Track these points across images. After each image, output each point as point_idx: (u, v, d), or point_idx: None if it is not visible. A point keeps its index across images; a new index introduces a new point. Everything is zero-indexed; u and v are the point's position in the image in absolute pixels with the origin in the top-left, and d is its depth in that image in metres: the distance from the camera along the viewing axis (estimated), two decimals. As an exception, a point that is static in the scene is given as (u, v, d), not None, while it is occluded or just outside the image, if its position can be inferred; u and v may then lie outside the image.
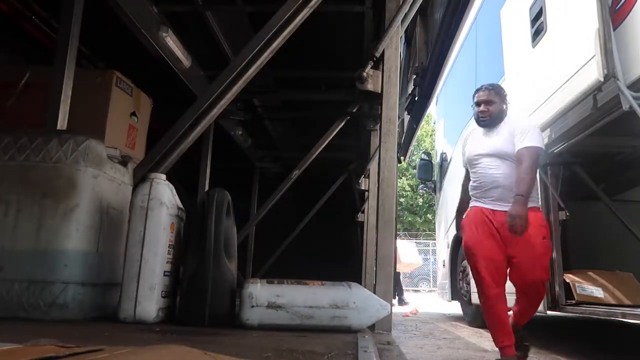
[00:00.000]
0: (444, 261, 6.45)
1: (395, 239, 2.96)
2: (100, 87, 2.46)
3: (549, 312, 3.71)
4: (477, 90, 2.81)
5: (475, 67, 6.07)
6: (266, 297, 1.13)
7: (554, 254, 3.68)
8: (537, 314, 2.98)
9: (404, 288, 10.29)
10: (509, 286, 2.61)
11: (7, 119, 2.20)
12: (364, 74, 1.41)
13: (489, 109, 2.66)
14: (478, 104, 2.72)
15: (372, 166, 3.94)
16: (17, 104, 2.22)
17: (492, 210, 2.62)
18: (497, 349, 2.56)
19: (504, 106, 2.70)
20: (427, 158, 7.85)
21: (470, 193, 2.77)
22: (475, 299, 5.35)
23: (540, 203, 2.96)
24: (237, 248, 1.50)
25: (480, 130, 2.79)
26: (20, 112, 2.22)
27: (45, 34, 2.87)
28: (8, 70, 2.39)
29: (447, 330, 4.90)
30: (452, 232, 5.65)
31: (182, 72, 3.17)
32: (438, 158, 7.44)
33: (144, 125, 2.97)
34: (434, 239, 14.03)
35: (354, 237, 5.74)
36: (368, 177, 4.25)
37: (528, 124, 2.71)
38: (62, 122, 1.85)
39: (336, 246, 5.78)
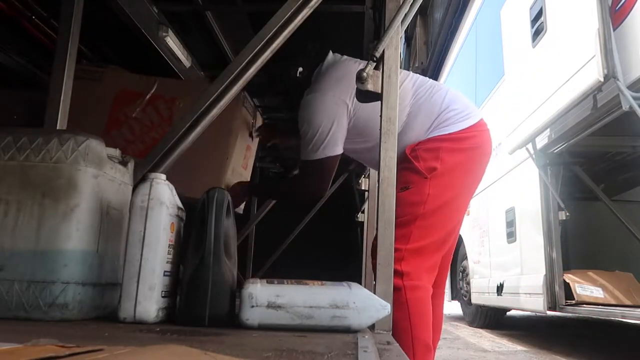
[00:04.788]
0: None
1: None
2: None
3: (548, 312, 3.71)
4: None
5: (475, 67, 6.07)
6: (266, 297, 1.13)
7: (554, 254, 3.69)
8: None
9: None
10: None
11: (131, 129, 2.23)
12: (364, 74, 1.40)
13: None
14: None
15: (372, 166, 3.94)
16: (141, 115, 2.25)
17: None
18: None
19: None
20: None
21: None
22: (475, 299, 5.37)
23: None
24: (237, 248, 1.50)
25: None
26: (143, 123, 2.25)
27: (45, 34, 2.87)
28: (139, 81, 2.41)
29: (447, 330, 4.89)
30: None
31: (182, 72, 3.17)
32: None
33: (144, 125, 2.97)
34: (434, 239, 13.98)
35: (353, 237, 5.74)
36: (368, 177, 4.25)
37: (303, 104, 1.80)
38: (62, 122, 1.85)
39: (336, 246, 5.77)
